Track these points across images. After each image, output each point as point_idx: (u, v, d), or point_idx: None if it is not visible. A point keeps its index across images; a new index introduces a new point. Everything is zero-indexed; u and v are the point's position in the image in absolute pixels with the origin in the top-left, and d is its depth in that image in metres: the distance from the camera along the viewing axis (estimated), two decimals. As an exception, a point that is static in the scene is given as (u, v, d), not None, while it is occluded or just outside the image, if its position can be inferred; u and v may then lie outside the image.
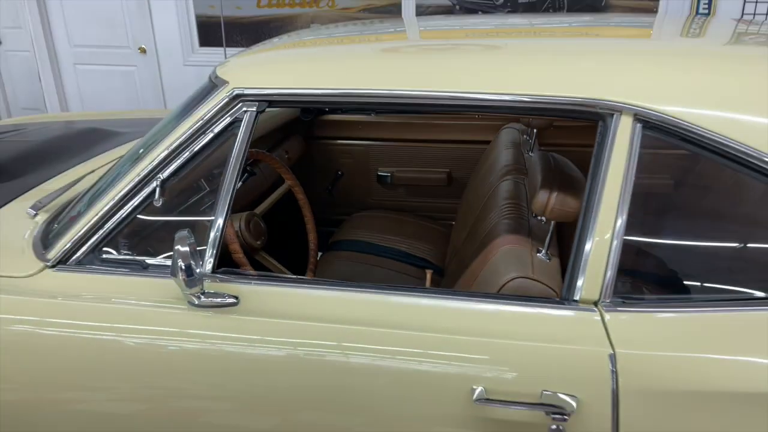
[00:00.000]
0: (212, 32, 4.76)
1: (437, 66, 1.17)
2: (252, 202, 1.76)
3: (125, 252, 1.23)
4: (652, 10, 4.05)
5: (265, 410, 1.11)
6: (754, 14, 3.90)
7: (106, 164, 1.76)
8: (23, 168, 1.83)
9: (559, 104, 1.06)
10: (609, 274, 1.04)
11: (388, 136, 2.58)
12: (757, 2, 3.87)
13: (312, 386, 1.08)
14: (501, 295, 1.13)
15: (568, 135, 2.31)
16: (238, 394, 1.11)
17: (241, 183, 1.73)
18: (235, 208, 1.45)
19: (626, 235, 1.04)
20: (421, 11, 4.27)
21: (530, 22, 1.61)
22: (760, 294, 1.03)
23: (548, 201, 1.21)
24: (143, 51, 4.94)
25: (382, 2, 4.39)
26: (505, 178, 1.73)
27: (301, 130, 2.54)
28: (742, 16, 3.90)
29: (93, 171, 1.71)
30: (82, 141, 2.06)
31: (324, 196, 2.66)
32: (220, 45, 4.73)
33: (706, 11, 3.97)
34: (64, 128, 2.27)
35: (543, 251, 1.27)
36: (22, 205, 1.53)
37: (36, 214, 1.46)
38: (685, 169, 1.12)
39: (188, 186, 1.27)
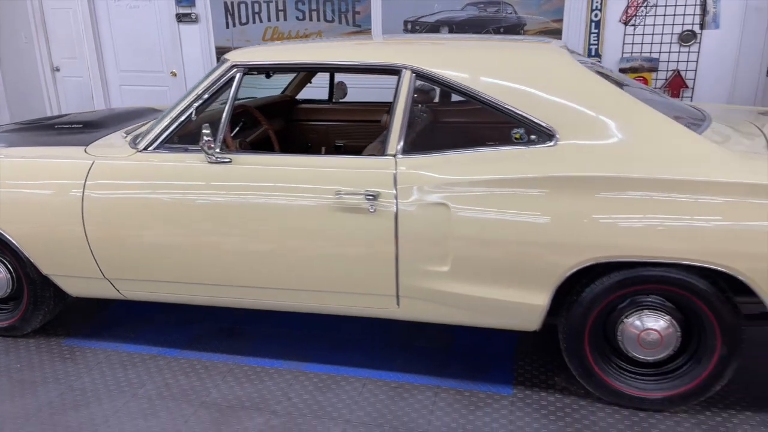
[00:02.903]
0: (228, 60, 6.15)
1: (331, 49, 2.45)
2: (245, 137, 3.03)
3: (177, 143, 2.49)
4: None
5: (245, 226, 2.34)
6: (631, 52, 5.17)
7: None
8: (108, 123, 3.12)
9: (376, 65, 2.33)
10: (400, 143, 2.27)
11: (341, 118, 3.85)
12: (633, 43, 5.15)
13: (263, 206, 2.31)
14: (357, 155, 2.38)
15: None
16: (228, 212, 2.34)
17: (239, 128, 3.00)
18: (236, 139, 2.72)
19: (408, 126, 2.28)
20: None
21: (405, 37, 2.88)
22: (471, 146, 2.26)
23: (385, 118, 2.46)
24: (174, 74, 6.31)
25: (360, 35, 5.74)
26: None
27: (283, 114, 3.83)
28: (622, 56, 5.18)
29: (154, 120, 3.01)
30: (143, 112, 3.36)
31: None
32: (234, 69, 6.11)
33: (596, 44, 5.25)
34: (129, 108, 3.58)
35: (388, 148, 2.51)
36: (118, 133, 2.82)
37: (126, 136, 2.74)
38: (437, 96, 2.36)
39: (208, 112, 2.54)
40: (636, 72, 5.23)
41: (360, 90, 4.76)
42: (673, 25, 5.10)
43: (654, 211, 2.01)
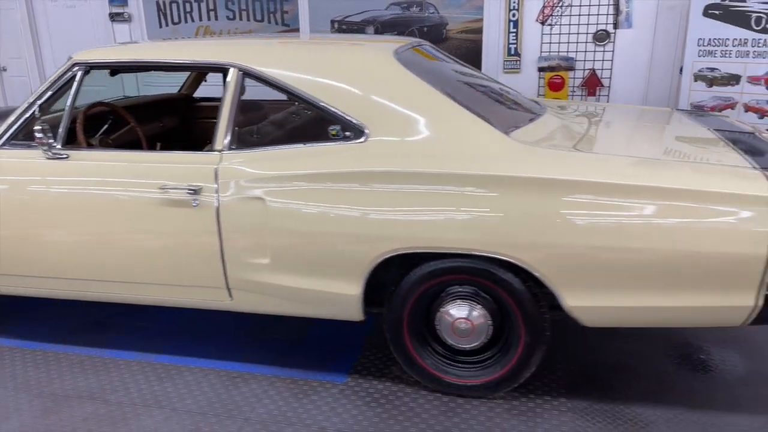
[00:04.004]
0: (164, 59, 6.21)
1: (165, 49, 2.52)
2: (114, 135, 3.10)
3: (22, 140, 2.56)
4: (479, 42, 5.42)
5: (81, 212, 2.41)
6: (549, 52, 5.25)
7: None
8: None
9: (205, 63, 2.40)
10: (226, 139, 2.34)
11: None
12: (551, 42, 5.22)
13: (96, 201, 2.38)
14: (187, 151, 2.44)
15: None
16: (64, 206, 2.41)
17: (107, 125, 3.07)
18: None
19: (236, 119, 2.35)
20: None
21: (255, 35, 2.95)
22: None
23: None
24: (111, 74, 6.35)
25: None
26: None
27: (179, 112, 3.90)
28: (540, 54, 5.26)
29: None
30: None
31: None
32: (168, 68, 6.17)
33: (514, 44, 5.33)
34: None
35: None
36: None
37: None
38: (261, 93, 2.44)
39: (51, 110, 2.61)
40: (554, 71, 5.31)
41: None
42: (588, 24, 5.18)
43: (444, 205, 2.08)
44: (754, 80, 4.18)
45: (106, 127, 3.06)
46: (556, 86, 5.33)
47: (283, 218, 2.23)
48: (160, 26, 6.13)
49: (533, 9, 5.23)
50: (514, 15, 5.29)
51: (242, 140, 2.42)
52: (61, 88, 2.54)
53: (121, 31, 6.23)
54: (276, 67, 2.34)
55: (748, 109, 4.25)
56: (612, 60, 5.23)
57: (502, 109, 2.51)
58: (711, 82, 4.39)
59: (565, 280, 2.06)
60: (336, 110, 2.25)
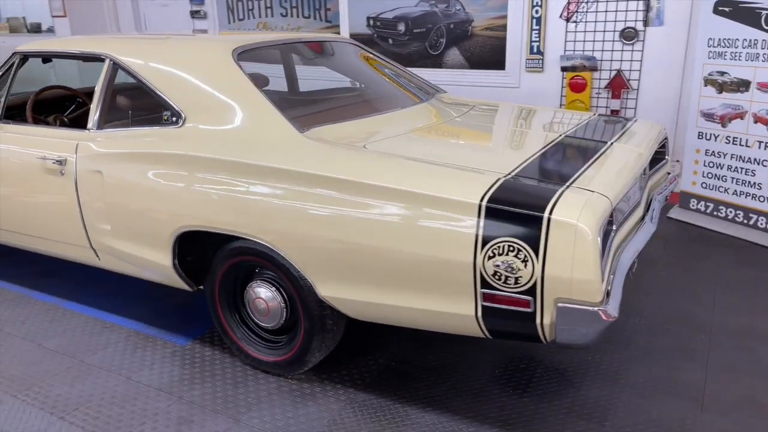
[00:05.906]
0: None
1: (67, 42, 2.96)
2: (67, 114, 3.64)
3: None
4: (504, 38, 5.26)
5: None
6: (574, 50, 4.94)
7: None
8: None
9: (90, 54, 2.78)
10: (95, 118, 2.71)
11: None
12: (575, 41, 4.91)
13: (6, 166, 2.89)
14: (66, 127, 2.86)
15: None
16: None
17: (75, 105, 3.63)
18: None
19: (106, 101, 2.71)
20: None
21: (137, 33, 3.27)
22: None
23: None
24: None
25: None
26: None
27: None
28: (564, 53, 4.97)
29: None
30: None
31: None
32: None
33: (537, 41, 5.09)
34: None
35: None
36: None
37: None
38: (127, 80, 2.76)
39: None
40: (576, 71, 4.99)
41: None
42: (615, 21, 4.80)
43: (218, 188, 2.24)
44: (763, 87, 3.65)
45: (73, 107, 3.62)
46: (578, 87, 5.02)
47: (112, 189, 2.55)
48: (229, 22, 6.78)
49: (557, 5, 4.96)
50: (537, 12, 5.07)
51: (109, 120, 2.77)
52: (5, 73, 3.10)
53: (201, 27, 6.99)
54: (132, 57, 2.66)
55: (757, 119, 3.72)
56: (641, 60, 4.80)
57: (332, 106, 2.59)
58: (721, 87, 3.90)
59: (313, 269, 2.13)
60: (165, 97, 2.51)
